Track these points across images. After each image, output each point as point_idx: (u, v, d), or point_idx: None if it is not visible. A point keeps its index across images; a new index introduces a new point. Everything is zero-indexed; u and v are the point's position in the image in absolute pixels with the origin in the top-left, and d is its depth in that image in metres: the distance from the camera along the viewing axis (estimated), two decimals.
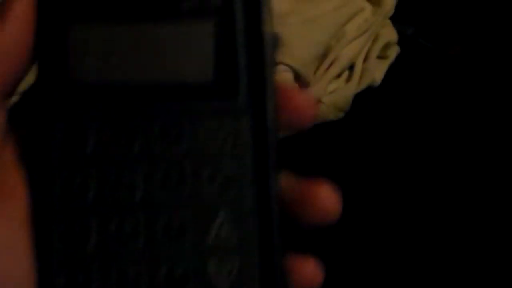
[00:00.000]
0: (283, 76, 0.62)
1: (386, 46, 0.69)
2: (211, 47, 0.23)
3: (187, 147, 0.23)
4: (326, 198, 0.25)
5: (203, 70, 0.23)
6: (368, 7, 0.69)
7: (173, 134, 0.23)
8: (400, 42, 0.71)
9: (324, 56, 0.64)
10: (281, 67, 0.62)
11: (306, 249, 0.53)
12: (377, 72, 0.68)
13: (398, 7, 0.71)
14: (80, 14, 0.24)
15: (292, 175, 0.25)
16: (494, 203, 0.60)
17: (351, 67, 0.67)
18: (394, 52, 0.70)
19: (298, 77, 0.62)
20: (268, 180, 0.24)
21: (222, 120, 0.24)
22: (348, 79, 0.66)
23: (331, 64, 0.65)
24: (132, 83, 0.23)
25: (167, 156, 0.23)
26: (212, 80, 0.23)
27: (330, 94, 0.64)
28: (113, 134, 0.23)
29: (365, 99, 0.67)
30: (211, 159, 0.23)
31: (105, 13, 0.23)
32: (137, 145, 0.23)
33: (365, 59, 0.68)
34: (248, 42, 0.24)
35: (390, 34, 0.70)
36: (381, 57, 0.69)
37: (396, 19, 0.71)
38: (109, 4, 0.24)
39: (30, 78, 0.24)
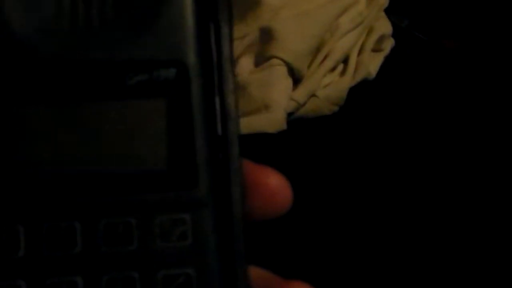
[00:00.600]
0: (277, 70, 0.61)
1: (381, 38, 0.69)
2: (164, 128, 0.20)
3: (138, 246, 0.20)
4: (275, 186, 0.22)
5: (155, 156, 0.20)
6: (362, 0, 0.68)
7: (121, 232, 0.20)
8: (394, 35, 0.70)
9: (318, 49, 0.64)
10: (274, 61, 0.62)
11: (303, 249, 0.52)
12: (372, 65, 0.68)
13: None
14: (8, 97, 0.20)
15: (247, 163, 0.22)
16: (487, 191, 0.60)
17: (345, 61, 0.66)
18: (389, 44, 0.70)
19: (291, 71, 0.62)
20: (236, 283, 0.21)
21: (178, 215, 0.20)
22: (343, 73, 0.66)
23: (325, 58, 0.65)
24: (72, 172, 0.20)
25: (114, 259, 0.20)
26: (166, 168, 0.20)
27: (325, 88, 0.64)
28: (50, 233, 0.20)
29: (360, 92, 0.66)
30: (167, 261, 0.20)
31: (39, 92, 0.20)
32: (79, 245, 0.20)
33: (360, 52, 0.68)
34: (207, 120, 0.21)
35: (384, 26, 0.70)
36: (375, 50, 0.69)
37: (390, 11, 0.71)
38: (41, 82, 0.20)
39: None
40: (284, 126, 0.61)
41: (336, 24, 0.65)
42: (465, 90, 0.69)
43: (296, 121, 0.63)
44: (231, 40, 0.21)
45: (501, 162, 0.62)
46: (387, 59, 0.69)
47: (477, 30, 0.75)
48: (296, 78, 0.63)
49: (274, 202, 0.21)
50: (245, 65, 0.62)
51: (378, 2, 0.69)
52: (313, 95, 0.63)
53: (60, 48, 0.20)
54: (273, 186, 0.21)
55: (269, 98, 0.60)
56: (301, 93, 0.62)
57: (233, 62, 0.21)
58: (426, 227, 0.57)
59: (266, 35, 0.63)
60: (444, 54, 0.73)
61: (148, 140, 0.20)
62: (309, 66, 0.64)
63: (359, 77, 0.66)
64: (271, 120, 0.59)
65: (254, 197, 0.21)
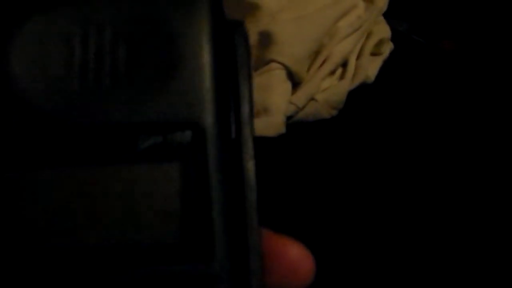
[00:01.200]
0: (276, 74, 0.61)
1: (380, 42, 0.69)
2: (178, 195, 0.19)
3: None
4: (296, 258, 0.20)
5: (168, 226, 0.19)
6: (361, 4, 0.68)
7: None
8: (393, 39, 0.70)
9: (317, 53, 0.64)
10: (273, 65, 0.62)
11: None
12: (371, 69, 0.68)
13: (391, 3, 0.70)
14: (17, 160, 0.19)
15: (266, 232, 0.20)
16: (486, 195, 0.60)
17: (344, 64, 0.67)
18: (387, 48, 0.70)
19: (290, 75, 0.62)
20: None
21: None
22: (342, 76, 0.66)
23: (324, 62, 0.65)
24: (80, 244, 0.19)
25: None
26: (180, 240, 0.19)
27: (324, 92, 0.64)
28: None
29: (359, 96, 0.66)
30: None
31: (47, 156, 0.19)
32: None
33: (359, 56, 0.68)
34: (224, 188, 0.19)
35: (383, 30, 0.70)
36: (374, 53, 0.69)
37: (389, 15, 0.71)
38: (48, 146, 0.19)
39: None
40: (283, 129, 0.61)
41: (335, 28, 0.65)
42: (464, 91, 0.69)
43: (295, 125, 0.63)
44: (251, 102, 0.20)
45: (501, 164, 0.62)
46: (386, 63, 0.69)
47: (475, 31, 0.75)
48: (295, 82, 0.63)
49: (296, 274, 0.20)
50: None
51: (377, 6, 0.69)
52: (312, 99, 0.63)
53: (69, 109, 0.19)
54: (294, 257, 0.20)
55: (268, 102, 0.60)
56: (300, 97, 0.62)
57: (252, 125, 0.20)
58: (423, 231, 0.57)
59: (265, 39, 0.63)
60: (442, 57, 0.73)
61: (161, 208, 0.19)
62: (308, 70, 0.64)
63: (358, 81, 0.66)
64: (271, 124, 0.60)
65: (273, 269, 0.20)
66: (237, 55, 0.20)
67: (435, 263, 0.55)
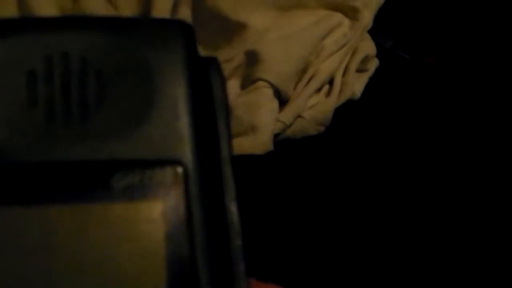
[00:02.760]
0: (263, 92, 0.62)
1: (365, 59, 0.70)
2: (159, 240, 0.17)
3: None
4: None
5: (148, 277, 0.17)
6: (346, 22, 0.69)
7: None
8: (379, 55, 0.71)
9: (303, 71, 0.65)
10: (260, 83, 0.62)
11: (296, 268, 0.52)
12: (357, 85, 0.68)
13: (376, 20, 0.71)
14: None
15: (252, 282, 0.19)
16: (474, 211, 0.60)
17: (330, 82, 0.67)
18: (373, 65, 0.71)
19: (277, 93, 0.63)
20: None
21: None
22: (328, 93, 0.67)
23: (310, 79, 0.65)
24: None
25: None
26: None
27: (310, 109, 0.65)
28: None
29: (345, 112, 0.67)
30: None
31: (10, 198, 0.17)
32: None
33: (345, 73, 0.68)
34: (209, 233, 0.18)
35: (368, 47, 0.71)
36: (360, 70, 0.70)
37: (374, 32, 0.72)
38: (10, 187, 0.17)
39: None
40: (271, 147, 0.61)
41: (321, 46, 0.66)
42: (448, 106, 0.69)
43: (283, 142, 0.63)
44: (229, 140, 0.19)
45: (487, 179, 0.63)
46: (371, 79, 0.70)
47: (458, 47, 0.76)
48: (282, 100, 0.64)
49: None
50: (232, 88, 0.62)
51: (361, 23, 0.70)
52: (299, 116, 0.64)
53: (34, 145, 0.18)
54: None
55: (256, 120, 0.60)
56: (287, 115, 0.63)
57: (233, 166, 0.19)
58: (417, 242, 0.58)
59: (252, 58, 0.63)
60: (427, 73, 0.74)
61: (139, 254, 0.17)
62: (294, 88, 0.64)
63: (344, 98, 0.67)
64: (259, 142, 0.60)
65: None
66: (213, 92, 0.19)
67: (433, 267, 0.55)
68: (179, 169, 0.18)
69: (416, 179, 0.63)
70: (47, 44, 0.18)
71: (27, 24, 0.19)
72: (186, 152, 0.18)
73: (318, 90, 0.66)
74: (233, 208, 0.18)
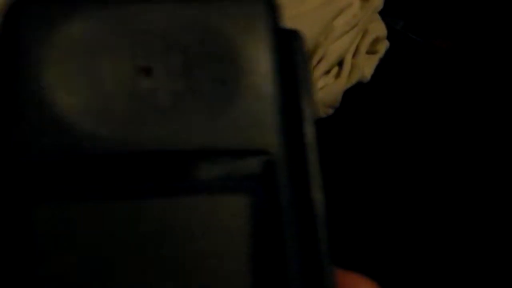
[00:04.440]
0: None
1: (375, 41, 0.69)
2: (247, 233, 0.17)
3: None
4: None
5: (237, 271, 0.16)
6: (357, 2, 0.68)
7: None
8: (389, 37, 0.70)
9: (313, 52, 0.64)
10: None
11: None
12: (367, 67, 0.68)
13: (386, 1, 0.70)
14: (64, 190, 0.17)
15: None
16: (482, 195, 0.60)
17: (340, 63, 0.66)
18: (383, 47, 0.70)
19: None
20: None
21: None
22: (338, 75, 0.66)
23: (320, 61, 0.64)
24: None
25: None
26: (253, 286, 0.16)
27: (320, 91, 0.64)
28: None
29: (355, 95, 0.66)
30: None
31: (96, 187, 0.17)
32: None
33: (354, 55, 0.67)
34: (297, 225, 0.17)
35: (379, 29, 0.70)
36: (370, 52, 0.69)
37: (385, 13, 0.71)
38: (96, 176, 0.17)
39: None
40: None
41: (330, 26, 0.65)
42: (460, 89, 0.69)
43: None
44: (314, 123, 0.18)
45: (497, 163, 0.62)
46: (381, 61, 0.69)
47: (471, 31, 0.75)
48: None
49: None
50: None
51: (372, 5, 0.69)
52: None
53: (120, 135, 0.17)
54: None
55: None
56: None
57: (317, 150, 0.18)
58: (420, 230, 0.57)
59: None
60: (438, 55, 0.73)
61: (228, 247, 0.17)
62: None
63: (354, 80, 0.66)
64: None
65: None
66: (296, 70, 0.18)
67: (432, 263, 0.55)
68: (267, 159, 0.17)
69: (425, 161, 0.62)
70: (128, 24, 0.18)
71: (105, 4, 0.18)
72: (273, 141, 0.17)
73: (327, 72, 0.65)
74: (319, 196, 0.17)
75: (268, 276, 0.17)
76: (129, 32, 0.18)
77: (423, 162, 0.62)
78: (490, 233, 0.57)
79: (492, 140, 0.64)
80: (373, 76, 0.68)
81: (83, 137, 0.17)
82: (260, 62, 0.18)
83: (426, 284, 0.55)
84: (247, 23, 0.18)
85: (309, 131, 0.18)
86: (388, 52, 0.70)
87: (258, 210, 0.17)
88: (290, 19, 0.63)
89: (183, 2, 0.18)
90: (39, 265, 0.16)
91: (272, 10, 0.18)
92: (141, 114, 0.17)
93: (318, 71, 0.64)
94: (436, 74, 0.70)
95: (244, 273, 0.16)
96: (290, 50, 0.18)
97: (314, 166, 0.18)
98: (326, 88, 0.65)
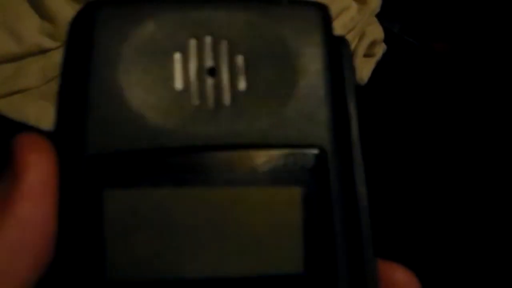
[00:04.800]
0: None
1: (373, 44, 0.69)
2: (300, 222, 0.18)
3: None
4: (404, 283, 0.20)
5: (290, 256, 0.18)
6: (354, 5, 0.68)
7: None
8: (386, 40, 0.70)
9: None
10: None
11: None
12: (364, 70, 0.68)
13: (384, 4, 0.70)
14: (134, 178, 0.18)
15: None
16: (478, 198, 0.60)
17: None
18: (380, 50, 0.70)
19: None
20: None
21: None
22: None
23: None
24: (204, 276, 0.18)
25: None
26: (305, 271, 0.18)
27: None
28: None
29: None
30: None
31: (164, 178, 0.18)
32: None
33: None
34: (346, 216, 0.18)
35: (376, 32, 0.70)
36: (367, 55, 0.69)
37: (382, 16, 0.71)
38: (164, 167, 0.18)
39: None
40: None
41: None
42: (456, 93, 0.69)
43: None
44: (358, 121, 0.20)
45: (496, 166, 0.63)
46: (379, 64, 0.69)
47: (467, 32, 0.76)
48: None
49: None
50: None
51: (369, 7, 0.69)
52: None
53: (184, 129, 0.18)
54: (401, 282, 0.20)
55: None
56: None
57: (362, 148, 0.19)
58: (419, 232, 0.57)
59: None
60: (435, 58, 0.73)
61: (282, 236, 0.18)
62: None
63: None
64: None
65: None
66: (344, 73, 0.20)
67: (431, 262, 0.55)
68: (321, 154, 0.18)
69: (422, 163, 0.62)
70: (195, 26, 0.19)
71: (175, 4, 0.19)
72: (326, 137, 0.19)
73: None
74: (363, 191, 0.19)
75: (317, 263, 0.18)
76: (196, 33, 0.19)
77: (420, 165, 0.63)
78: (490, 232, 0.57)
79: (490, 143, 0.65)
80: (370, 78, 0.68)
81: (151, 131, 0.18)
82: (315, 65, 0.19)
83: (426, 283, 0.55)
84: (304, 28, 0.19)
85: (354, 129, 0.19)
86: (385, 55, 0.70)
87: (311, 201, 0.18)
88: None
89: (247, 6, 0.19)
90: (109, 247, 0.17)
91: (327, 17, 0.20)
92: (206, 110, 0.18)
93: None
94: (433, 77, 0.71)
95: (298, 260, 0.18)
96: (339, 55, 0.20)
97: (359, 161, 0.19)
98: None
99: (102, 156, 0.18)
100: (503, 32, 0.74)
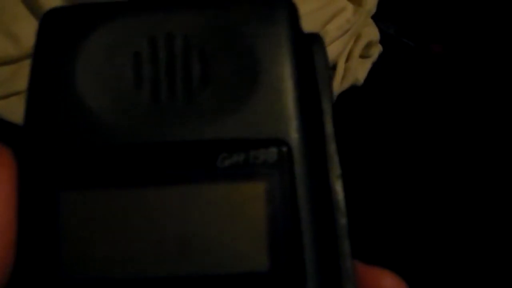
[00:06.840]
0: None
1: (369, 45, 0.69)
2: (264, 218, 0.17)
3: None
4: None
5: (254, 253, 0.17)
6: (350, 7, 0.69)
7: None
8: (382, 41, 0.71)
9: None
10: None
11: None
12: (360, 71, 0.68)
13: (380, 5, 0.70)
14: (86, 180, 0.17)
15: (357, 264, 0.19)
16: (475, 199, 0.60)
17: (333, 67, 0.67)
18: (376, 51, 0.70)
19: None
20: None
21: None
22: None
23: None
24: (156, 276, 0.17)
25: None
26: (271, 269, 0.17)
27: None
28: None
29: (348, 98, 0.66)
30: None
31: (117, 178, 0.17)
32: None
33: (348, 59, 0.68)
34: (313, 212, 0.18)
35: (372, 33, 0.70)
36: (363, 56, 0.69)
37: (378, 17, 0.71)
38: (117, 166, 0.18)
39: None
40: None
41: (324, 31, 0.65)
42: (453, 93, 0.69)
43: None
44: (333, 117, 0.19)
45: (491, 166, 0.63)
46: (375, 66, 0.69)
47: (463, 34, 0.76)
48: None
49: None
50: None
51: (365, 9, 0.69)
52: None
53: (142, 125, 0.18)
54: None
55: None
56: None
57: (337, 143, 0.19)
58: (413, 233, 0.58)
59: None
60: (431, 60, 0.73)
61: (244, 233, 0.17)
62: None
63: (347, 84, 0.66)
64: None
65: None
66: (316, 68, 0.19)
67: (431, 263, 0.55)
68: (284, 149, 0.18)
69: (419, 166, 0.62)
70: (151, 25, 0.19)
71: (130, 7, 0.19)
72: (291, 131, 0.18)
73: None
74: (338, 186, 0.18)
75: (283, 261, 0.17)
76: (153, 33, 0.19)
77: (417, 166, 0.63)
78: (489, 232, 0.58)
79: (486, 143, 0.65)
80: (366, 80, 0.68)
81: (106, 130, 0.18)
82: (280, 59, 0.19)
83: (426, 281, 0.55)
84: (269, 24, 0.19)
85: (328, 123, 0.19)
86: (381, 56, 0.70)
87: (275, 196, 0.17)
88: None
89: (205, 5, 0.19)
90: (63, 246, 0.17)
91: (292, 12, 0.19)
92: (164, 107, 0.18)
93: None
94: (429, 78, 0.71)
95: (263, 257, 0.17)
96: (310, 51, 0.19)
97: (332, 156, 0.19)
98: None
99: (56, 156, 0.18)
100: (499, 33, 0.75)
